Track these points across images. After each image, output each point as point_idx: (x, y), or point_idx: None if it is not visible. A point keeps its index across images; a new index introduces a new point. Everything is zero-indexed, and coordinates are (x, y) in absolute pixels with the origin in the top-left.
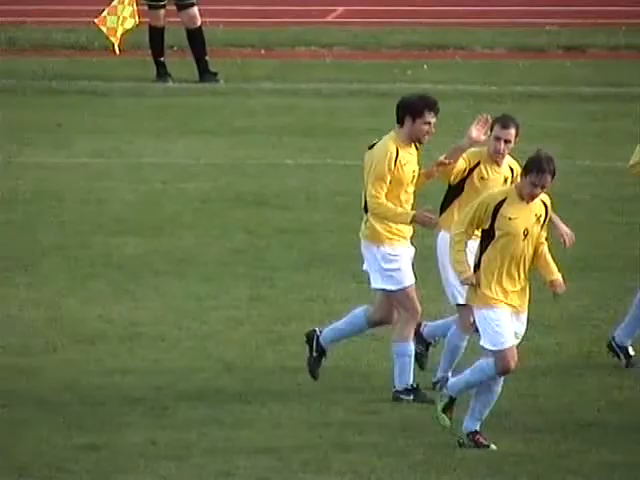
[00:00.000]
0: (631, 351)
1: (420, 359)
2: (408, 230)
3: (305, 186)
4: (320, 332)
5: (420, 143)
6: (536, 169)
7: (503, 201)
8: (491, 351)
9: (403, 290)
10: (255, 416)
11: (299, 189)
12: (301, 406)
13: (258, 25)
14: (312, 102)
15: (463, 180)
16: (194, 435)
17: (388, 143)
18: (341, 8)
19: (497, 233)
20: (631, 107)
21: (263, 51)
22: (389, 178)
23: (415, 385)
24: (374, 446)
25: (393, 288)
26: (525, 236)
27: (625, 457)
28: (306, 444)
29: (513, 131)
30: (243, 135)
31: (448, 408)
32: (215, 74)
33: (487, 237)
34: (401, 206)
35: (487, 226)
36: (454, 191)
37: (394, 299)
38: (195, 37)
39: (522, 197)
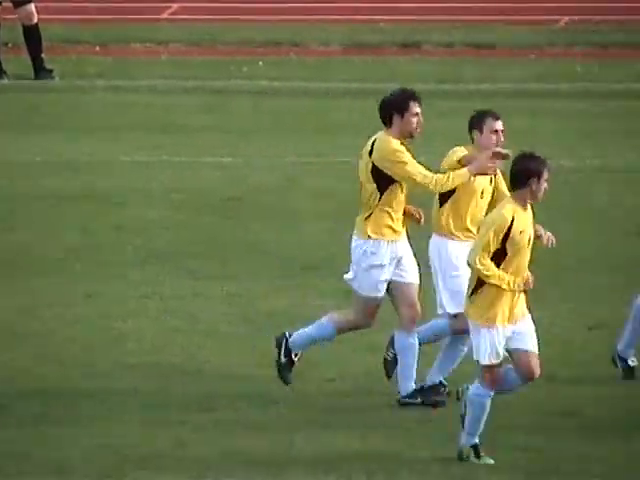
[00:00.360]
0: (631, 362)
1: (388, 366)
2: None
3: (141, 183)
4: (289, 336)
5: (412, 137)
6: (546, 168)
7: (513, 219)
8: (484, 366)
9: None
10: (93, 413)
11: (135, 186)
12: (136, 402)
13: (93, 22)
14: (148, 99)
15: None
16: (30, 431)
17: (389, 139)
18: (176, 5)
19: (510, 250)
20: (467, 104)
21: (98, 48)
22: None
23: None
24: (209, 442)
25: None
26: (528, 244)
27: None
28: (142, 442)
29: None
30: (78, 132)
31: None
32: (51, 71)
33: (499, 256)
34: (397, 206)
35: (499, 246)
36: (447, 192)
37: (357, 301)
38: (31, 34)
39: (524, 206)
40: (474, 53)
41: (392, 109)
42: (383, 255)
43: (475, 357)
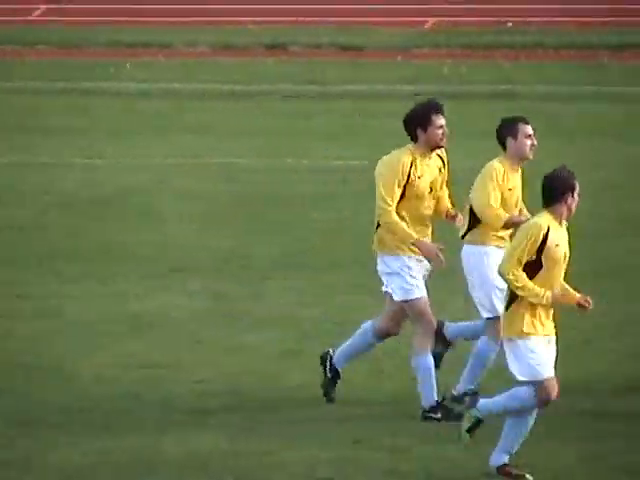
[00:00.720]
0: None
1: (436, 359)
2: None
3: (10, 183)
4: (333, 352)
5: (440, 147)
6: (576, 182)
7: (548, 230)
8: (529, 382)
9: (414, 301)
10: None
11: (4, 186)
12: None
13: None
14: (16, 100)
15: None
16: None
17: (402, 154)
18: (44, 6)
19: (545, 263)
20: (332, 104)
21: None
22: (400, 189)
23: (441, 399)
24: (76, 445)
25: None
26: (564, 260)
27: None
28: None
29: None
30: None
31: (474, 429)
32: None
33: (533, 269)
34: (418, 220)
35: (534, 258)
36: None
37: (407, 310)
38: None
39: (559, 221)
40: (341, 55)
41: (416, 124)
42: None
43: (517, 376)
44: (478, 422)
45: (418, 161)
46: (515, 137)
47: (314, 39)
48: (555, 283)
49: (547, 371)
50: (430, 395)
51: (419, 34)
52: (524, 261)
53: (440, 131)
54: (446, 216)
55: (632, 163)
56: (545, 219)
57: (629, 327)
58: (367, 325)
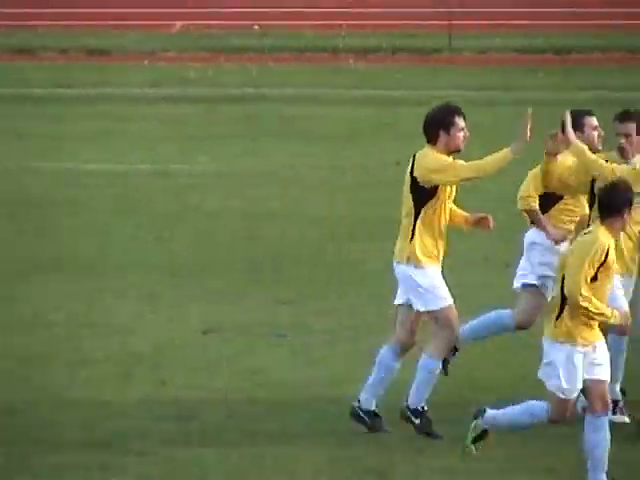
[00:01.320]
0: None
1: (444, 364)
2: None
3: None
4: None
5: (459, 151)
6: (633, 196)
7: (609, 246)
8: (559, 398)
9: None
10: None
11: None
12: None
13: None
14: None
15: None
16: None
17: (436, 153)
18: None
19: (601, 277)
20: (81, 109)
21: None
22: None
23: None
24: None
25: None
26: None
27: None
28: None
29: None
30: None
31: (479, 440)
32: None
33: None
34: (439, 224)
35: (593, 273)
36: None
37: (434, 318)
38: None
39: (615, 235)
40: (87, 59)
41: (439, 126)
42: None
43: (550, 387)
44: (484, 433)
45: None
46: (582, 131)
47: (60, 43)
48: (605, 296)
49: (576, 392)
50: (421, 398)
51: (166, 38)
52: (590, 278)
53: (462, 133)
54: (466, 222)
55: None
56: (605, 236)
57: None
58: (385, 352)
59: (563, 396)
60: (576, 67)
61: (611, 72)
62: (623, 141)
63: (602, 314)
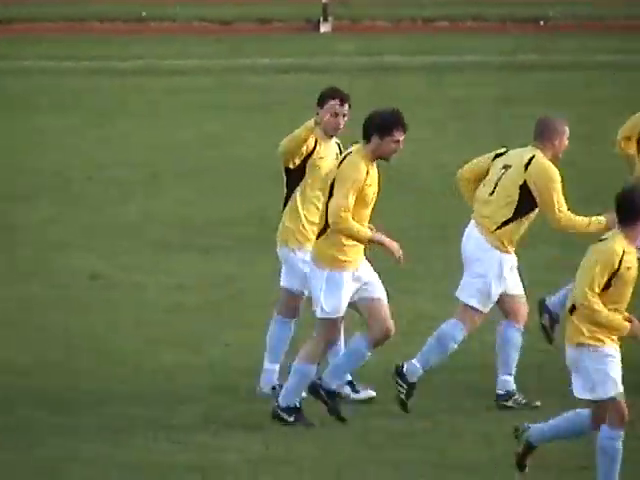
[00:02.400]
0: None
1: (547, 332)
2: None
3: None
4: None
5: (386, 160)
6: None
7: (623, 254)
8: (603, 401)
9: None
10: None
11: None
12: None
13: None
14: None
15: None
16: None
17: (361, 160)
18: None
19: (615, 284)
20: None
21: None
22: (355, 196)
23: (299, 405)
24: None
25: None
26: (633, 281)
27: None
28: None
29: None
30: None
31: (526, 455)
32: None
33: (602, 288)
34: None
35: (605, 280)
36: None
37: (321, 322)
38: None
39: (632, 242)
40: None
41: (376, 129)
42: None
43: (591, 394)
44: (530, 448)
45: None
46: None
47: None
48: (624, 302)
49: (621, 387)
50: (296, 396)
51: None
52: (602, 286)
53: (395, 146)
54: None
55: None
56: (620, 244)
57: None
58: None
59: (610, 395)
60: None
61: None
62: None
63: (610, 322)
